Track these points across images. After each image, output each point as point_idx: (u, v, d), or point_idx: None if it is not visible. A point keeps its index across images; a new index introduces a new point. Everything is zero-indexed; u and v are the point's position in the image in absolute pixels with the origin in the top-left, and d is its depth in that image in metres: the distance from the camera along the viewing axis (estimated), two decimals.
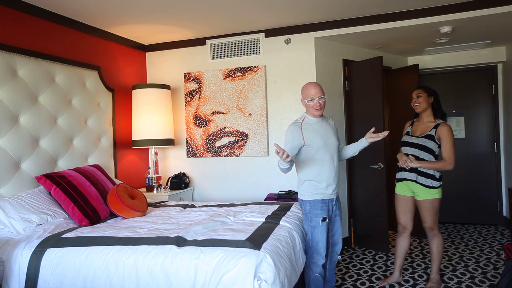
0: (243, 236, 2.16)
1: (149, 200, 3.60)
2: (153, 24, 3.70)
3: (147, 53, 4.51)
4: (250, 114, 4.05)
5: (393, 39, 4.09)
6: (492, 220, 4.97)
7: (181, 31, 3.96)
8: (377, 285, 3.14)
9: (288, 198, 3.67)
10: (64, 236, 2.33)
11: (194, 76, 4.27)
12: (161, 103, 4.00)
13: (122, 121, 4.07)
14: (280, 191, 3.89)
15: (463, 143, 5.05)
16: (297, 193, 3.20)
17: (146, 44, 4.46)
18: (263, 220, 2.63)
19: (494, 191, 4.96)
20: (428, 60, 5.01)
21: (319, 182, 2.50)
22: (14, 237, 2.39)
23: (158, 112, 3.96)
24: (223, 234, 2.25)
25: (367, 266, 3.58)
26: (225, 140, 4.15)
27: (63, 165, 3.25)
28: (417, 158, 2.92)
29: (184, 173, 4.21)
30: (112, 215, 2.95)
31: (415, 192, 2.97)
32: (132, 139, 4.03)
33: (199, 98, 4.25)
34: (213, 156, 4.22)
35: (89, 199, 2.80)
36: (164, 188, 4.05)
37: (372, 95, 3.92)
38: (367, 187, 4.07)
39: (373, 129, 2.61)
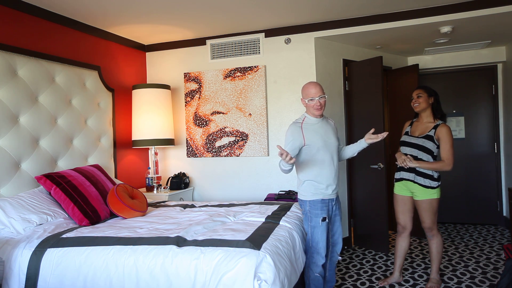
0: (243, 236, 2.16)
1: (149, 200, 3.60)
2: (153, 24, 3.70)
3: (147, 53, 4.51)
4: (250, 114, 4.05)
5: (393, 39, 4.09)
6: (492, 220, 4.97)
7: (181, 31, 3.96)
8: (377, 285, 3.14)
9: (288, 198, 3.67)
10: (64, 236, 2.33)
11: (194, 76, 4.27)
12: (161, 103, 4.00)
13: (122, 121, 4.07)
14: (280, 191, 3.89)
15: (463, 143, 5.05)
16: (297, 193, 3.20)
17: (146, 44, 4.46)
18: (263, 220, 2.63)
19: (494, 191, 4.96)
20: (428, 60, 5.01)
21: (319, 182, 2.50)
22: (14, 237, 2.39)
23: (158, 112, 3.96)
24: (223, 234, 2.25)
25: (367, 266, 3.58)
26: (225, 140, 4.15)
27: (63, 165, 3.25)
28: (416, 158, 2.91)
29: (184, 173, 4.21)
30: (112, 215, 2.95)
31: (413, 192, 2.97)
32: (132, 139, 4.03)
33: (199, 98, 4.25)
34: (213, 156, 4.22)
35: (89, 199, 2.80)
36: (164, 188, 4.05)
37: (372, 95, 3.92)
38: (367, 187, 4.07)
39: (372, 130, 2.61)
